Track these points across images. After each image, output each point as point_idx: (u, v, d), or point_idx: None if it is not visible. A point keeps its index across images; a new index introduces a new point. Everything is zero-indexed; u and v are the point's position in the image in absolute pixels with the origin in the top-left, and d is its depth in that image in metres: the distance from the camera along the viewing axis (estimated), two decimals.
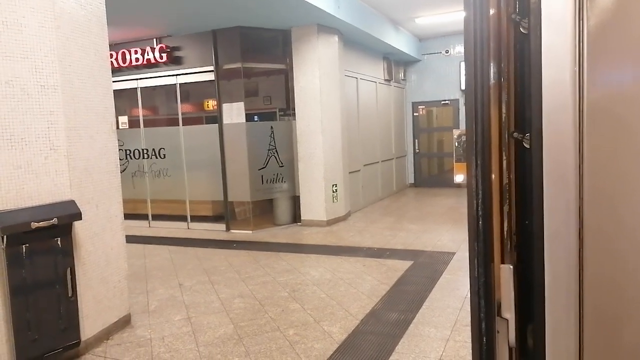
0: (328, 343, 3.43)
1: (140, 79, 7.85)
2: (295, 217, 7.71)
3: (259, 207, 7.77)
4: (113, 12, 4.50)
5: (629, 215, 1.46)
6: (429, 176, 11.85)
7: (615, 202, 1.48)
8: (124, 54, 7.71)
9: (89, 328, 3.43)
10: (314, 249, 6.14)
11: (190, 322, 3.91)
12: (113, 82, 3.98)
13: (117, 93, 7.32)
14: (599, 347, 1.50)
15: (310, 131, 7.42)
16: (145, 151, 7.96)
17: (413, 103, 11.55)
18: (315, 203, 7.52)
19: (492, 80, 1.02)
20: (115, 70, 7.63)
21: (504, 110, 1.15)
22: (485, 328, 1.04)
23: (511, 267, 1.06)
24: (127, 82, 7.91)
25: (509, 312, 1.05)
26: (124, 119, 8.08)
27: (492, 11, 1.04)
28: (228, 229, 7.48)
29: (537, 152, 0.98)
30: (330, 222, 7.52)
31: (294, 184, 7.65)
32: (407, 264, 5.30)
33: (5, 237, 2.90)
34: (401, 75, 11.17)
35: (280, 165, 7.51)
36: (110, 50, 3.81)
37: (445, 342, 3.37)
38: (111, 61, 7.59)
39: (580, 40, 1.50)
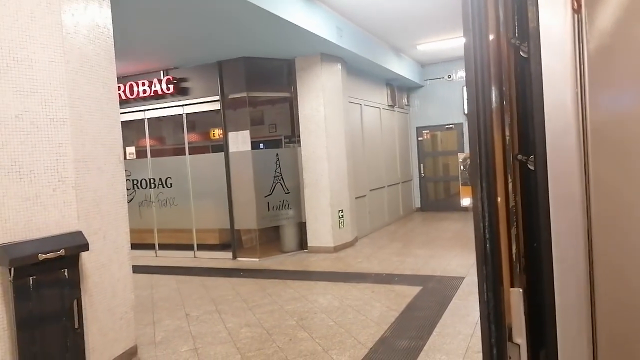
0: None
1: (148, 110, 7.97)
2: (302, 244, 7.67)
3: (266, 235, 7.75)
4: (121, 46, 4.61)
5: (638, 237, 1.44)
6: (436, 200, 11.81)
7: (624, 224, 1.47)
8: (131, 86, 7.86)
9: None
10: (322, 276, 6.09)
11: (197, 353, 3.86)
12: (121, 113, 4.04)
13: (125, 124, 7.43)
14: None
15: (316, 157, 7.45)
16: (152, 181, 8.01)
17: (417, 128, 11.61)
18: (321, 229, 7.49)
19: (494, 104, 1.03)
20: (123, 102, 7.77)
21: (507, 133, 1.15)
22: (496, 354, 1.01)
23: (521, 290, 1.04)
24: (135, 114, 8.03)
25: (520, 337, 1.03)
26: (131, 150, 8.17)
27: (491, 36, 1.05)
28: (235, 257, 7.44)
29: (542, 174, 0.98)
30: (337, 249, 7.47)
31: (300, 210, 7.64)
32: (416, 289, 5.23)
33: (13, 269, 2.90)
34: (405, 100, 11.27)
35: (286, 192, 7.52)
36: (118, 83, 3.90)
37: None
38: (119, 93, 7.74)
39: (581, 63, 1.51)
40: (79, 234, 3.28)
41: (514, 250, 1.13)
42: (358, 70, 8.53)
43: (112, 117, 3.78)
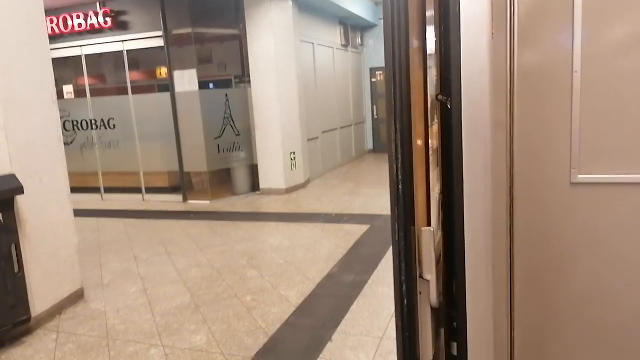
0: (285, 307, 3.50)
1: (84, 45, 7.44)
2: (254, 186, 7.68)
3: (217, 177, 7.68)
4: None
5: (557, 170, 1.53)
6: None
7: (544, 156, 1.55)
8: (65, 19, 7.25)
9: (39, 303, 3.35)
10: (273, 217, 6.17)
11: (146, 294, 3.89)
12: (55, 49, 3.78)
13: (60, 61, 6.97)
14: (526, 296, 1.59)
15: (266, 98, 7.31)
16: (93, 122, 7.64)
17: (370, 68, 11.53)
18: (273, 171, 7.50)
19: (413, 45, 1.03)
20: (57, 37, 7.21)
21: (432, 74, 1.17)
22: (406, 290, 1.06)
23: (432, 229, 1.07)
24: (70, 49, 7.49)
25: (429, 273, 1.08)
26: (68, 88, 7.70)
27: None
28: (185, 199, 7.38)
29: (456, 112, 1.01)
30: (289, 190, 7.54)
31: (251, 152, 7.58)
32: (363, 227, 5.42)
33: None
34: (358, 40, 11.08)
35: (237, 133, 7.40)
36: (50, 15, 3.59)
37: None
38: (51, 27, 7.15)
39: (511, 4, 1.53)
40: (12, 176, 3.13)
41: (433, 189, 1.18)
42: (310, 7, 8.24)
43: (41, 53, 3.52)
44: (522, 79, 1.53)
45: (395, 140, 1.05)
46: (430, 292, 1.09)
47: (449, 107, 1.05)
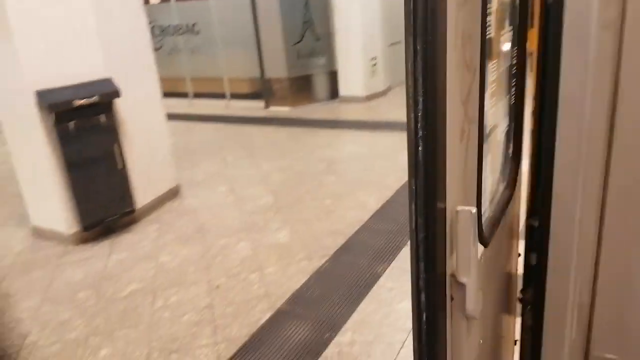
0: (363, 211, 3.59)
1: None
2: (334, 93, 7.60)
3: (297, 84, 7.66)
4: None
5: None
6: None
7: None
8: None
9: (141, 198, 3.72)
10: (352, 125, 6.15)
11: (233, 193, 4.17)
12: None
13: None
14: (619, 213, 1.49)
15: (347, 0, 6.94)
16: (178, 27, 7.79)
17: None
18: (353, 78, 7.32)
19: None
20: None
21: None
22: (426, 299, 0.72)
23: (473, 210, 0.74)
24: None
25: (466, 274, 0.75)
26: None
27: None
28: (267, 106, 7.52)
29: (557, 8, 0.85)
30: (369, 98, 7.37)
31: (331, 58, 7.40)
32: None
33: (54, 114, 3.07)
34: None
35: (317, 39, 7.22)
36: None
37: None
38: None
39: None
40: (109, 81, 3.35)
41: (494, 132, 1.03)
42: None
43: None
44: None
45: (414, 69, 0.64)
46: (467, 299, 0.76)
47: (548, 3, 0.91)
